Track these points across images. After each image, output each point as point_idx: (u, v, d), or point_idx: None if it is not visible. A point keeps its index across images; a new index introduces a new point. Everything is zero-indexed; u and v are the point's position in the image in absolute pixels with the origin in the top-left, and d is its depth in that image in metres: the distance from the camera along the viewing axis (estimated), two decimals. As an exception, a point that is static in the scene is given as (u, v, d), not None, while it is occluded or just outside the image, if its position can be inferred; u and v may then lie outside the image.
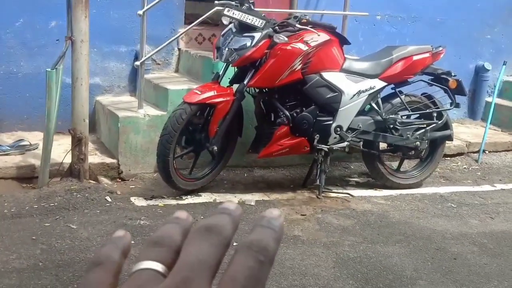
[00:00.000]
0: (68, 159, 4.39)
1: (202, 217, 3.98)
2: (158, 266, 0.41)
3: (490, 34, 6.79)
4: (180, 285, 0.38)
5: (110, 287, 0.41)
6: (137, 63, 4.69)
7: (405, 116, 4.72)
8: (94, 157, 4.67)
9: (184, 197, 4.33)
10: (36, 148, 4.69)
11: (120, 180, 4.58)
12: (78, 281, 3.04)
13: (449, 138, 4.94)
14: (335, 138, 4.46)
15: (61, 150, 4.56)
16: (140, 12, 4.53)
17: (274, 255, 0.40)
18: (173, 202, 4.24)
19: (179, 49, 5.64)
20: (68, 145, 4.49)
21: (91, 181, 4.42)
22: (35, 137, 4.87)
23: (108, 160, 4.66)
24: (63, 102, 4.75)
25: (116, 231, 0.45)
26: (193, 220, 0.45)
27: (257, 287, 0.38)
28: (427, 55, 4.63)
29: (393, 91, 4.69)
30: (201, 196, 4.39)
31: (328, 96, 4.38)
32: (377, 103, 4.60)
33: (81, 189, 4.23)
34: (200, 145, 4.27)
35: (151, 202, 4.19)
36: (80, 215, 3.87)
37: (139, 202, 4.19)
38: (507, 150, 6.09)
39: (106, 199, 4.16)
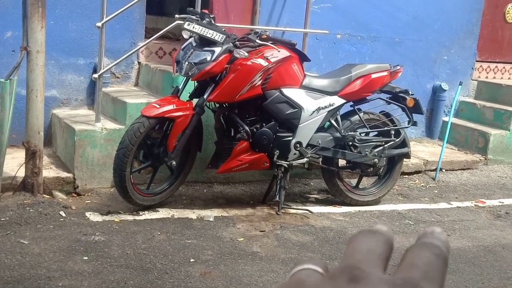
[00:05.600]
0: (21, 173, 4.27)
1: (159, 233, 3.91)
2: (317, 267, 0.41)
3: (447, 55, 6.94)
4: (351, 269, 0.37)
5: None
6: (95, 75, 4.62)
7: (364, 134, 4.77)
8: (49, 171, 4.55)
9: (141, 213, 4.25)
10: (-11, 161, 4.55)
11: (75, 195, 4.47)
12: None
13: (407, 155, 5.00)
14: (294, 154, 4.47)
15: (15, 164, 4.43)
16: (99, 24, 4.47)
17: (447, 257, 0.40)
18: (130, 217, 4.16)
19: (139, 63, 5.58)
20: (22, 159, 4.37)
21: (45, 195, 4.30)
22: (-12, 150, 4.73)
23: (64, 174, 4.55)
24: (18, 115, 4.65)
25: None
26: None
27: (436, 275, 0.38)
28: (385, 73, 4.69)
29: (352, 108, 4.74)
30: (158, 211, 4.32)
31: (288, 112, 4.39)
32: (336, 120, 4.63)
33: (34, 204, 4.12)
34: (158, 159, 4.22)
35: (107, 218, 4.10)
36: (33, 231, 3.76)
37: (94, 217, 4.09)
38: (463, 169, 6.21)
39: (60, 214, 4.05)
